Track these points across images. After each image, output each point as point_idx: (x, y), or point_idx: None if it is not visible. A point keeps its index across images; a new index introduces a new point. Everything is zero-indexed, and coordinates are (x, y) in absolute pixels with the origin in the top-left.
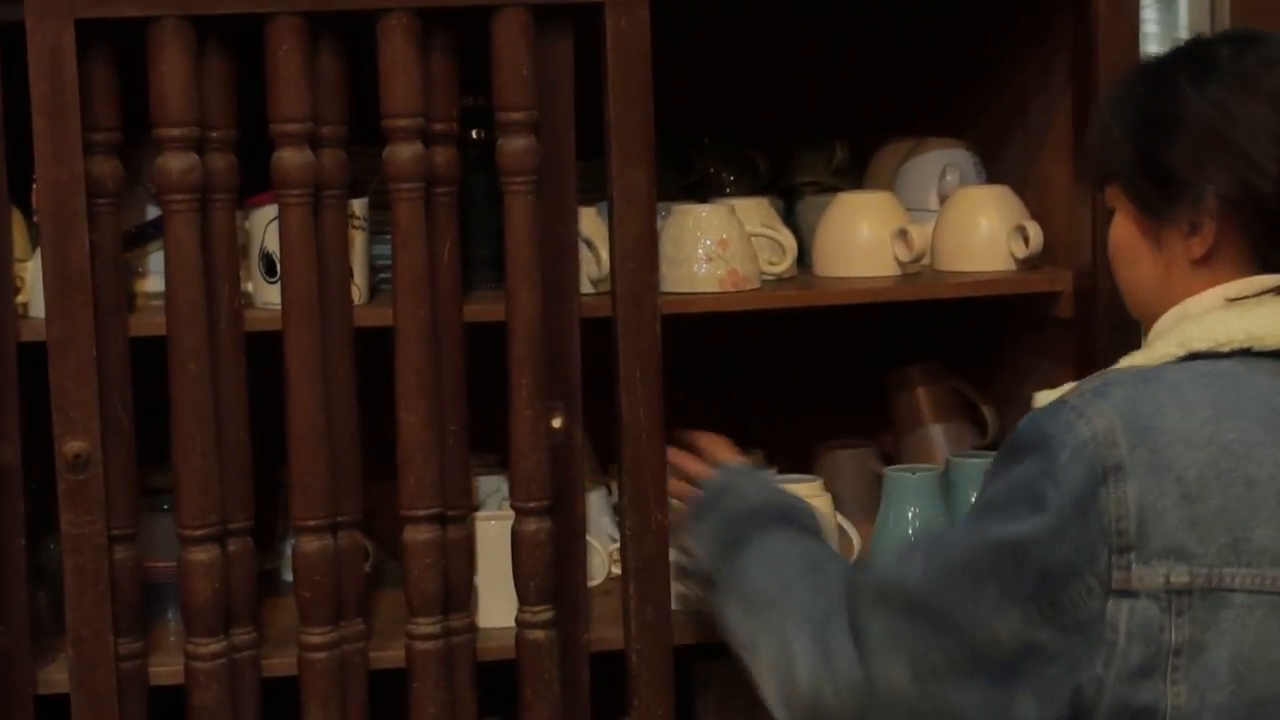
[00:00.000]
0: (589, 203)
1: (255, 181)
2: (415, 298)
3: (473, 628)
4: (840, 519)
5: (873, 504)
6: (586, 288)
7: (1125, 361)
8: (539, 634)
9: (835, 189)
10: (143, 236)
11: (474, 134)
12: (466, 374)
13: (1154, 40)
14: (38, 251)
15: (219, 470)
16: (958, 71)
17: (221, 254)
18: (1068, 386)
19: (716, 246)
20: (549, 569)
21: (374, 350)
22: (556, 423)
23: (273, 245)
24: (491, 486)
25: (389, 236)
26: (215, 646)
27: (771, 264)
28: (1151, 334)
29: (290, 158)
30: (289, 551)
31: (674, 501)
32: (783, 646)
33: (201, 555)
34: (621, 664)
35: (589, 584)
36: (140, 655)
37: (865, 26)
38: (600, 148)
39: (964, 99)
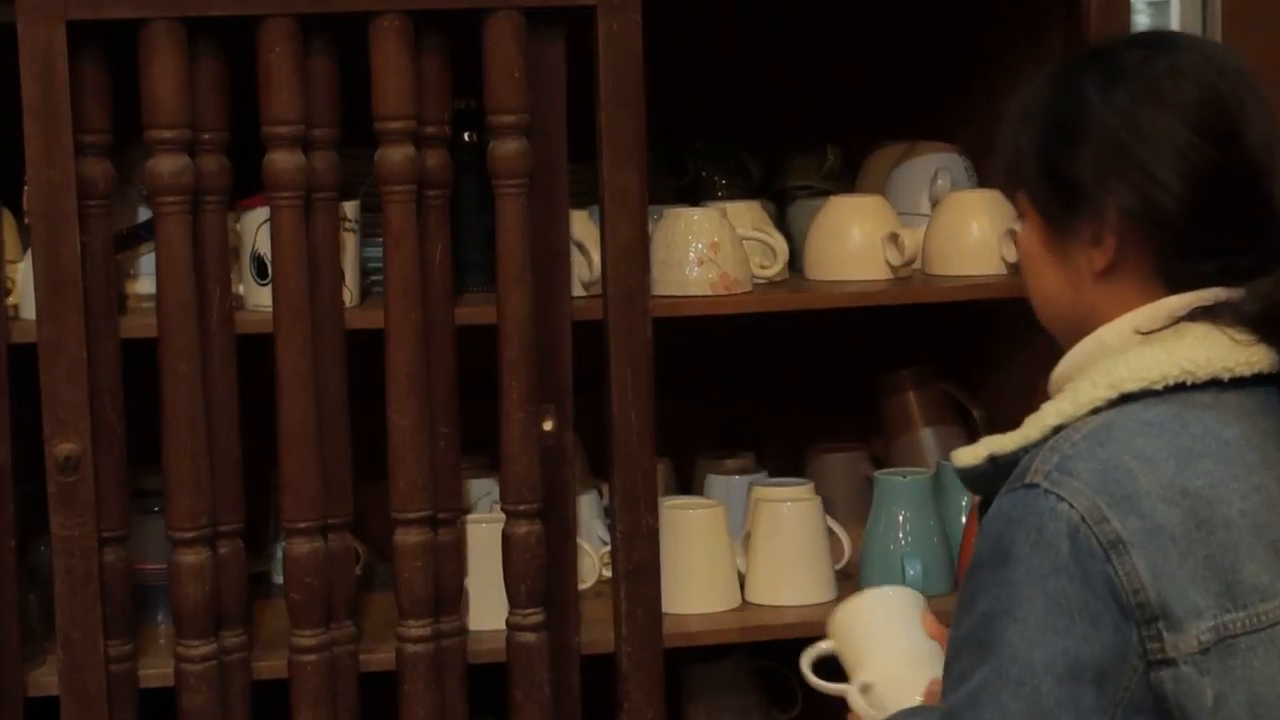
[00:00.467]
0: (581, 206)
1: (247, 184)
2: (406, 300)
3: (463, 630)
4: (831, 522)
5: (863, 507)
6: (578, 291)
7: (1052, 409)
8: (530, 637)
9: (827, 193)
10: (134, 238)
11: (466, 137)
12: (457, 377)
13: None
14: (28, 253)
15: (210, 472)
16: (950, 76)
17: (213, 256)
18: (987, 441)
19: (708, 250)
20: (540, 572)
21: (365, 352)
22: (547, 426)
23: (264, 247)
24: (482, 489)
25: (380, 239)
26: (205, 649)
27: (763, 267)
28: (1067, 367)
29: (282, 160)
30: (279, 554)
31: None
32: None
33: (192, 557)
34: (612, 667)
35: (579, 587)
36: (130, 657)
37: (858, 31)
38: (592, 151)
39: (956, 103)
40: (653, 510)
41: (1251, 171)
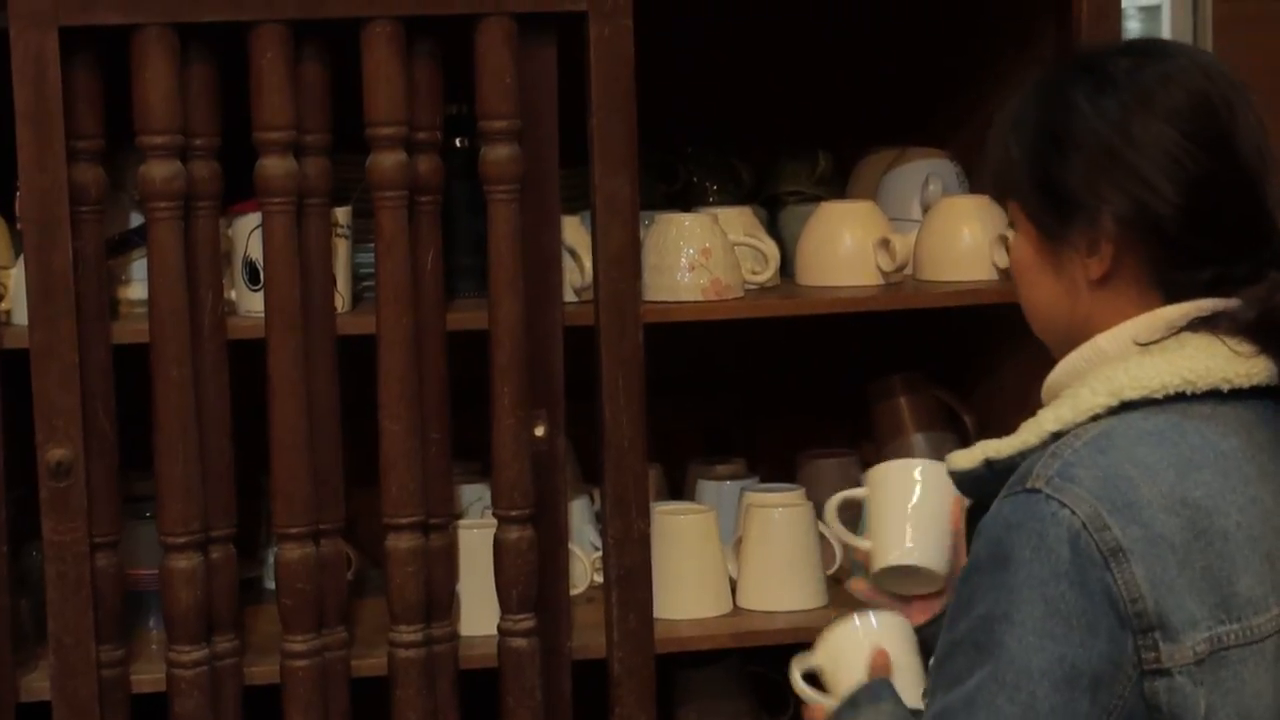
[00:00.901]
0: (572, 211)
1: (239, 189)
2: (398, 306)
3: (455, 636)
4: (821, 527)
5: (855, 513)
6: (569, 296)
7: (1050, 415)
8: (521, 642)
9: (818, 198)
10: (126, 244)
11: (457, 142)
12: (449, 382)
13: None
14: (20, 259)
15: (201, 478)
16: (940, 82)
17: (204, 262)
18: (983, 445)
19: (699, 255)
20: (531, 577)
21: (357, 358)
22: (539, 431)
23: (256, 253)
24: (474, 495)
25: (372, 244)
26: (197, 654)
27: (754, 273)
28: (1063, 374)
29: (274, 166)
30: (271, 559)
31: None
32: None
33: (183, 562)
34: (604, 672)
35: (571, 592)
36: (122, 663)
37: (849, 37)
38: (584, 156)
39: (947, 109)
40: (644, 516)
41: (1244, 177)
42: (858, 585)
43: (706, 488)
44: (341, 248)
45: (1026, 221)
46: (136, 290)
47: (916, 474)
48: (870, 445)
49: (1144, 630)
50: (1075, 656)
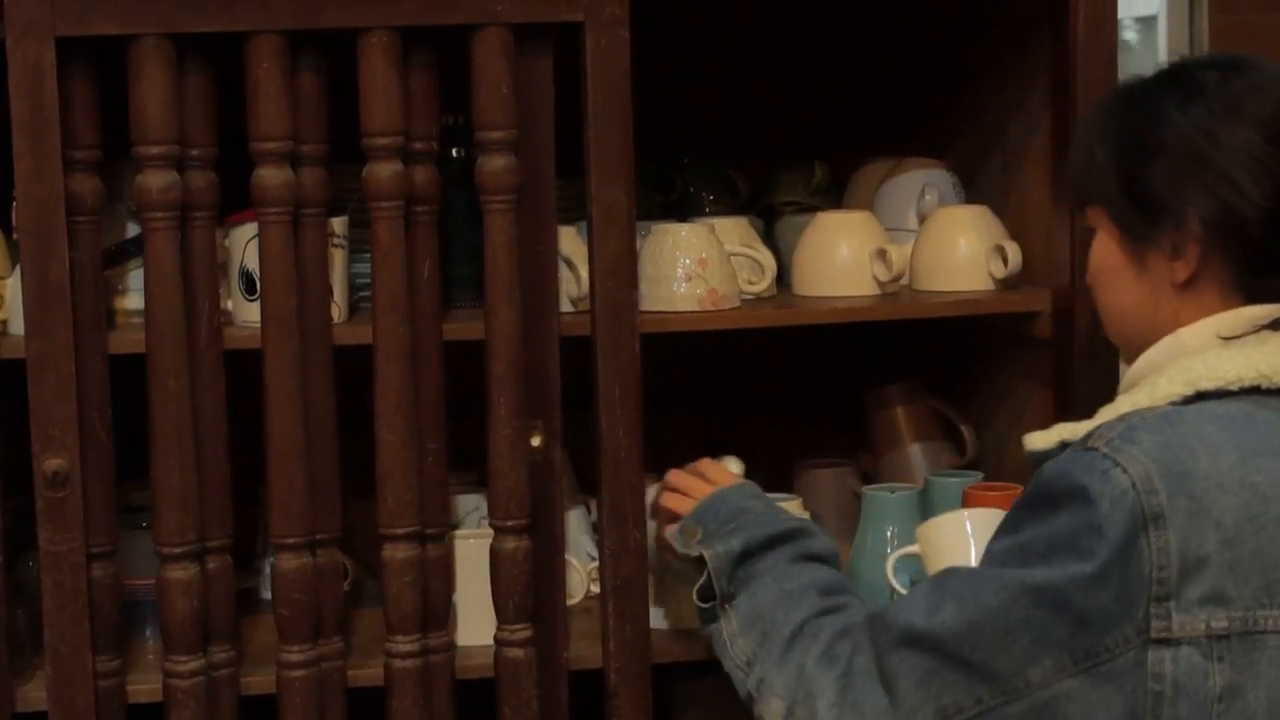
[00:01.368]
0: (569, 221)
1: (235, 199)
2: (395, 316)
3: (451, 646)
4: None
5: (851, 523)
6: (566, 306)
7: (1127, 401)
8: (518, 652)
9: (814, 209)
10: (122, 254)
11: (454, 152)
12: (446, 392)
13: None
14: (17, 269)
15: (198, 488)
16: (937, 92)
17: (201, 272)
18: (1060, 428)
19: (696, 265)
20: (528, 587)
21: (353, 368)
22: (535, 441)
23: (252, 263)
24: (470, 505)
25: (369, 254)
26: (194, 664)
27: (751, 283)
28: (1143, 365)
29: (270, 176)
30: (268, 569)
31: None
32: (801, 683)
33: (180, 573)
34: (600, 682)
35: (568, 602)
36: (118, 673)
37: (845, 47)
38: (580, 166)
39: (943, 119)
40: (641, 525)
41: None
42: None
43: None
44: (338, 258)
45: (1110, 225)
46: (133, 300)
47: (967, 526)
48: (867, 455)
49: (1160, 598)
50: (1071, 590)
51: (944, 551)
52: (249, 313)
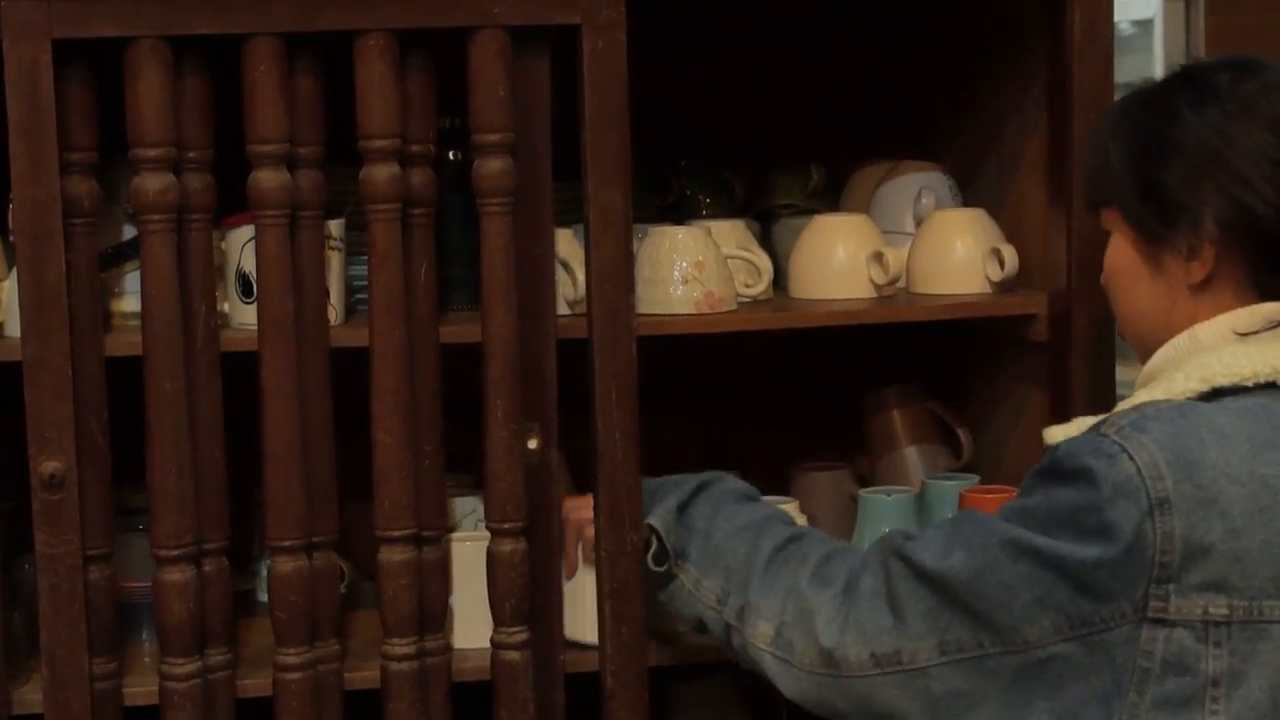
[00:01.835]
0: (565, 224)
1: (232, 202)
2: (391, 318)
3: (448, 648)
4: None
5: (848, 525)
6: (562, 309)
7: (1145, 395)
8: (514, 655)
9: (811, 211)
10: (119, 256)
11: (451, 155)
12: (442, 395)
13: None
14: (13, 271)
15: (194, 490)
16: (933, 95)
17: (198, 274)
18: (1080, 420)
19: (693, 268)
20: (524, 590)
21: (350, 371)
22: (532, 444)
23: (249, 265)
24: (467, 507)
25: (365, 257)
26: (190, 667)
27: (748, 286)
28: (1159, 361)
29: (267, 178)
30: (264, 572)
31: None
32: (792, 603)
33: (176, 575)
34: (597, 685)
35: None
36: (115, 675)
37: (842, 50)
38: (577, 169)
39: (939, 123)
40: (637, 528)
41: None
42: None
43: None
44: (335, 260)
45: (1125, 227)
46: (130, 303)
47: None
48: (864, 458)
49: (1161, 580)
50: (1072, 556)
51: None
52: (246, 315)
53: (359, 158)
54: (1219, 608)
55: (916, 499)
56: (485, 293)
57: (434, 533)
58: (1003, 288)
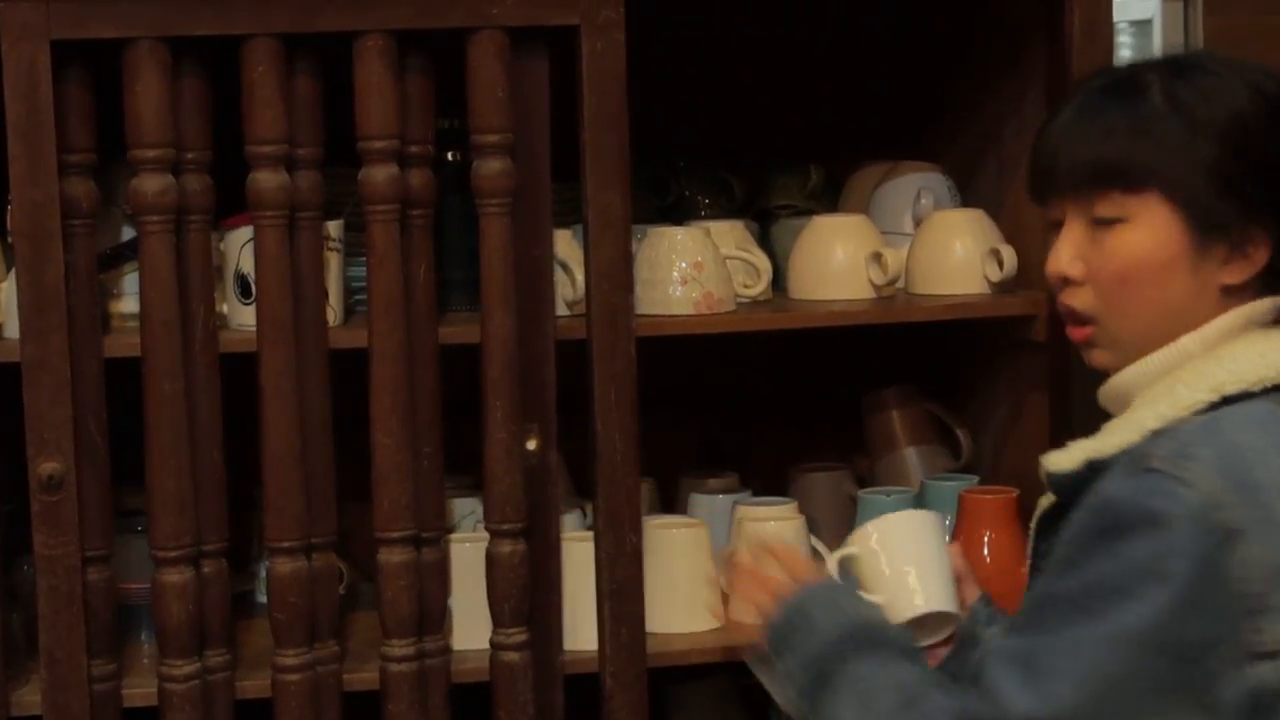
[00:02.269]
0: (564, 225)
1: (231, 203)
2: (390, 319)
3: (447, 649)
4: (814, 541)
5: (847, 526)
6: (562, 310)
7: (1149, 412)
8: (513, 656)
9: (810, 212)
10: (118, 258)
11: (450, 156)
12: (441, 396)
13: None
14: (12, 273)
15: (193, 491)
16: (932, 96)
17: (196, 275)
18: (1080, 445)
19: (692, 269)
20: (523, 591)
21: (349, 372)
22: (531, 445)
23: (248, 267)
24: (466, 509)
25: (364, 258)
26: (189, 668)
27: (746, 286)
28: (1159, 363)
29: (266, 179)
30: (263, 573)
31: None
32: None
33: (175, 577)
34: (596, 686)
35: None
36: (114, 677)
37: (841, 51)
38: (576, 170)
39: (939, 123)
40: (636, 529)
41: None
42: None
43: (699, 501)
44: (333, 261)
45: (1173, 214)
46: (128, 304)
47: (920, 523)
48: (863, 458)
49: (1252, 612)
50: (1175, 628)
51: (896, 553)
52: (244, 316)
53: (358, 158)
54: None
55: (915, 500)
56: (484, 294)
57: (433, 534)
58: (1002, 288)
